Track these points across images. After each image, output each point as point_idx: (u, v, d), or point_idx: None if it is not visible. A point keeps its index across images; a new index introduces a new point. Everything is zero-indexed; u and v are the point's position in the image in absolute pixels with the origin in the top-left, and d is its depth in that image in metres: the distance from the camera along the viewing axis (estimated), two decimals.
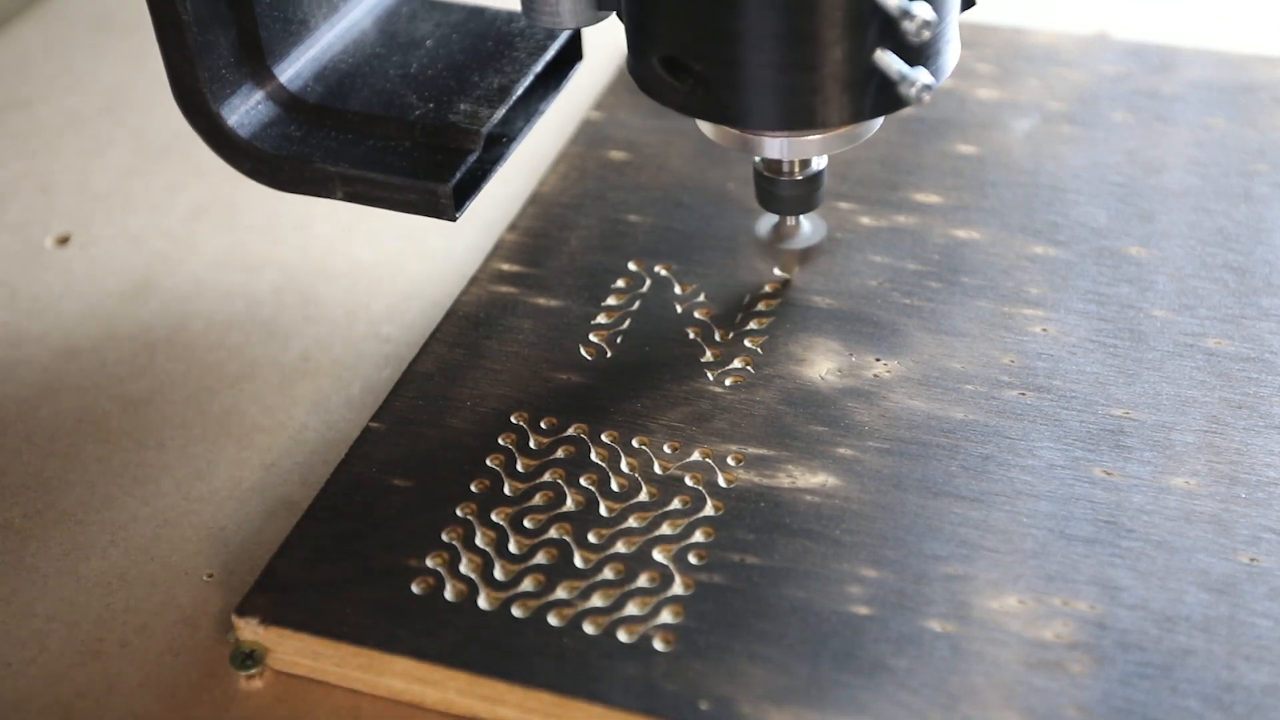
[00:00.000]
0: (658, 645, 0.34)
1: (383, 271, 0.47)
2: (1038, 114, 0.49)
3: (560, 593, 0.35)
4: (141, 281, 0.47)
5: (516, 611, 0.34)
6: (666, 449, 0.38)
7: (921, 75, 0.34)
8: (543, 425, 0.39)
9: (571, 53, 0.41)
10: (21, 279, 0.48)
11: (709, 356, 0.41)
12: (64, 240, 0.49)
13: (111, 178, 0.52)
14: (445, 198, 0.36)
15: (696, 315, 0.42)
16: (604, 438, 0.39)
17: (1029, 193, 0.46)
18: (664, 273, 0.44)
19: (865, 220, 0.45)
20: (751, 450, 0.38)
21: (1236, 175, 0.46)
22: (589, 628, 0.34)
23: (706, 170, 0.48)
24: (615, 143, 0.49)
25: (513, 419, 0.39)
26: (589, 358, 0.41)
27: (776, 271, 0.43)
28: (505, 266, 0.44)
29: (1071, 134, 0.48)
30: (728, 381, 0.40)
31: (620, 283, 0.43)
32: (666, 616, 0.34)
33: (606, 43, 0.52)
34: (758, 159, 0.40)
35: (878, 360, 0.41)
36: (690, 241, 0.45)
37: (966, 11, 0.37)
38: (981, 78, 0.51)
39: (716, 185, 0.47)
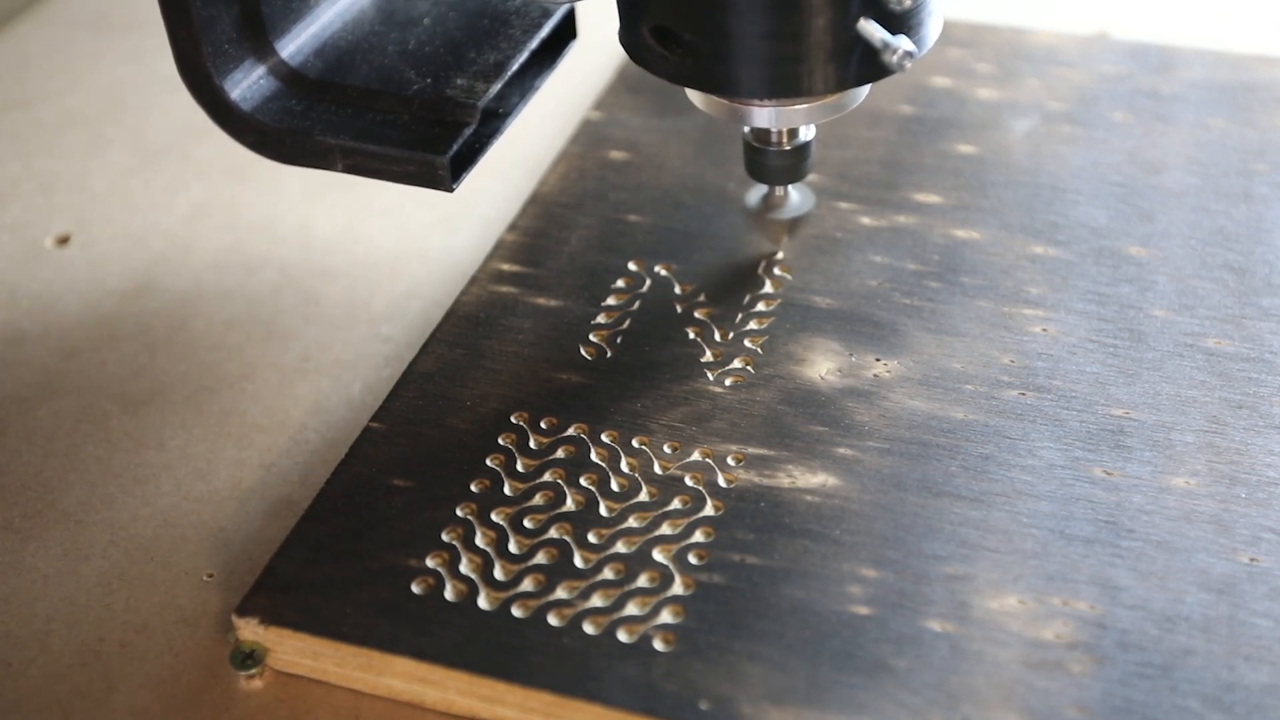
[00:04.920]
0: (658, 645, 0.34)
1: (383, 271, 0.47)
2: (1038, 114, 0.49)
3: (560, 593, 0.35)
4: (141, 281, 0.47)
5: (516, 611, 0.34)
6: (666, 449, 0.38)
7: (903, 43, 0.35)
8: (543, 425, 0.39)
9: (566, 31, 0.41)
10: (21, 279, 0.48)
11: (709, 356, 0.41)
12: (64, 240, 0.49)
13: (111, 178, 0.52)
14: (442, 168, 0.37)
15: (696, 315, 0.42)
16: (604, 438, 0.39)
17: (1029, 193, 0.46)
18: (664, 273, 0.44)
19: (865, 220, 0.45)
20: (751, 450, 0.38)
21: (1236, 175, 0.46)
22: (589, 628, 0.34)
23: (706, 170, 0.48)
24: (615, 143, 0.49)
25: (513, 419, 0.39)
26: (589, 358, 0.41)
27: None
28: (505, 266, 0.44)
29: (1071, 134, 0.48)
30: (728, 381, 0.40)
31: (620, 283, 0.43)
32: (666, 616, 0.34)
33: (606, 42, 0.52)
34: (746, 129, 0.41)
35: (878, 360, 0.41)
36: (690, 241, 0.45)
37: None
38: (981, 78, 0.51)
39: (716, 185, 0.47)
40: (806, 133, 0.41)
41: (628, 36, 0.38)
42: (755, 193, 0.44)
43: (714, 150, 0.48)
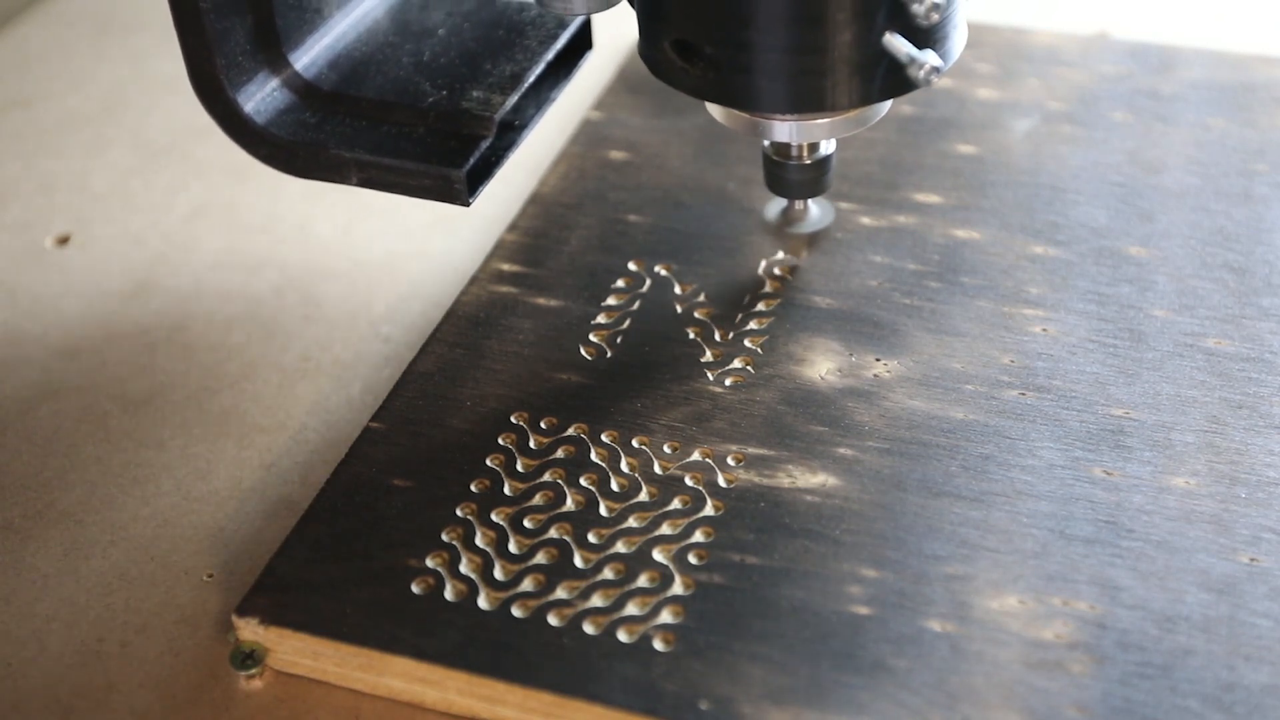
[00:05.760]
0: (658, 645, 0.34)
1: (383, 271, 0.47)
2: (1038, 114, 0.49)
3: (560, 593, 0.35)
4: (141, 281, 0.47)
5: (516, 611, 0.34)
6: (666, 449, 0.38)
7: (930, 58, 0.34)
8: (543, 425, 0.39)
9: (582, 41, 0.41)
10: (21, 279, 0.48)
11: (709, 356, 0.41)
12: (64, 240, 0.49)
13: (111, 178, 0.52)
14: (459, 183, 0.37)
15: (696, 315, 0.42)
16: (604, 438, 0.39)
17: (1029, 193, 0.46)
18: (664, 273, 0.44)
19: (865, 220, 0.45)
20: (751, 450, 0.38)
21: (1236, 175, 0.46)
22: (589, 628, 0.34)
23: (706, 170, 0.48)
24: (615, 143, 0.49)
25: (513, 419, 0.39)
26: (589, 358, 0.41)
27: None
28: (505, 266, 0.44)
29: (1071, 134, 0.48)
30: (728, 381, 0.40)
31: (620, 283, 0.43)
32: (666, 616, 0.34)
33: (607, 42, 0.52)
34: (766, 143, 0.41)
35: (878, 360, 0.41)
36: (690, 241, 0.45)
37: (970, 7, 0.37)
38: (981, 78, 0.51)
39: (716, 185, 0.47)
40: (827, 146, 0.41)
41: (648, 50, 0.37)
42: (774, 206, 0.44)
43: (714, 150, 0.48)
